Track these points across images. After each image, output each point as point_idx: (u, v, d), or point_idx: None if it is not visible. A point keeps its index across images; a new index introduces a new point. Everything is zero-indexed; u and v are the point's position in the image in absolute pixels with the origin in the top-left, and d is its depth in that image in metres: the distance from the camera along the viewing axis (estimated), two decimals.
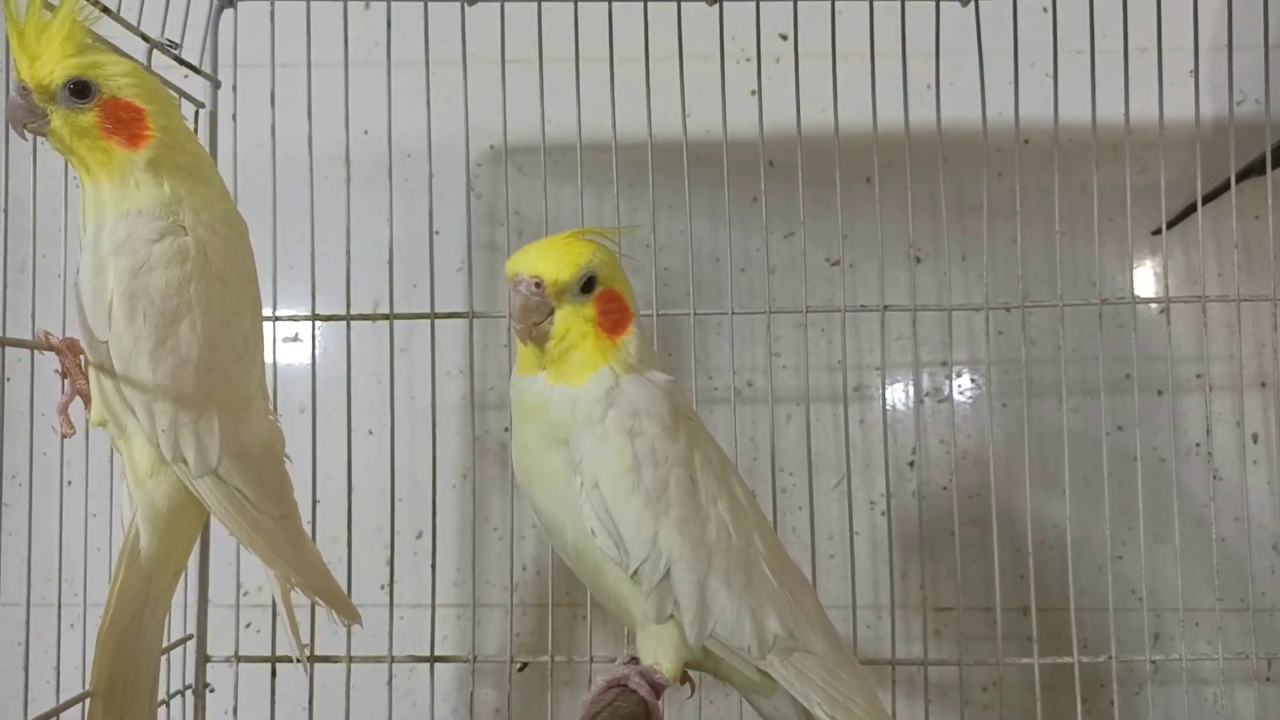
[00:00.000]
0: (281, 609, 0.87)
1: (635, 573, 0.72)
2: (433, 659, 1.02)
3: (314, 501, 1.01)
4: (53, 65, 0.74)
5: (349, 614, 0.86)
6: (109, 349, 0.75)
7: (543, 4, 1.00)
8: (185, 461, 0.77)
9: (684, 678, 0.80)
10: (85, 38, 0.76)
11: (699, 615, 0.73)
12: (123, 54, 0.93)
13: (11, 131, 0.80)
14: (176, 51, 0.98)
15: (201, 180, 0.81)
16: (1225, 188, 1.04)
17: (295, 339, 1.25)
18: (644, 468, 0.72)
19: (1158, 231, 1.15)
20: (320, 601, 0.85)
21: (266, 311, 0.95)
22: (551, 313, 0.73)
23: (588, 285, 0.74)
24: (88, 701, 0.81)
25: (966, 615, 1.11)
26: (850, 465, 1.08)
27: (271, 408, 0.87)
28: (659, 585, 0.72)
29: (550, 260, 0.73)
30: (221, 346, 0.79)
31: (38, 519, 0.98)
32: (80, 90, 0.75)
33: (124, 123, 0.76)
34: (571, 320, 0.74)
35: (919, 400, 1.20)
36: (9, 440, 0.81)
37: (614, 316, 0.75)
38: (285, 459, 0.86)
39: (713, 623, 0.73)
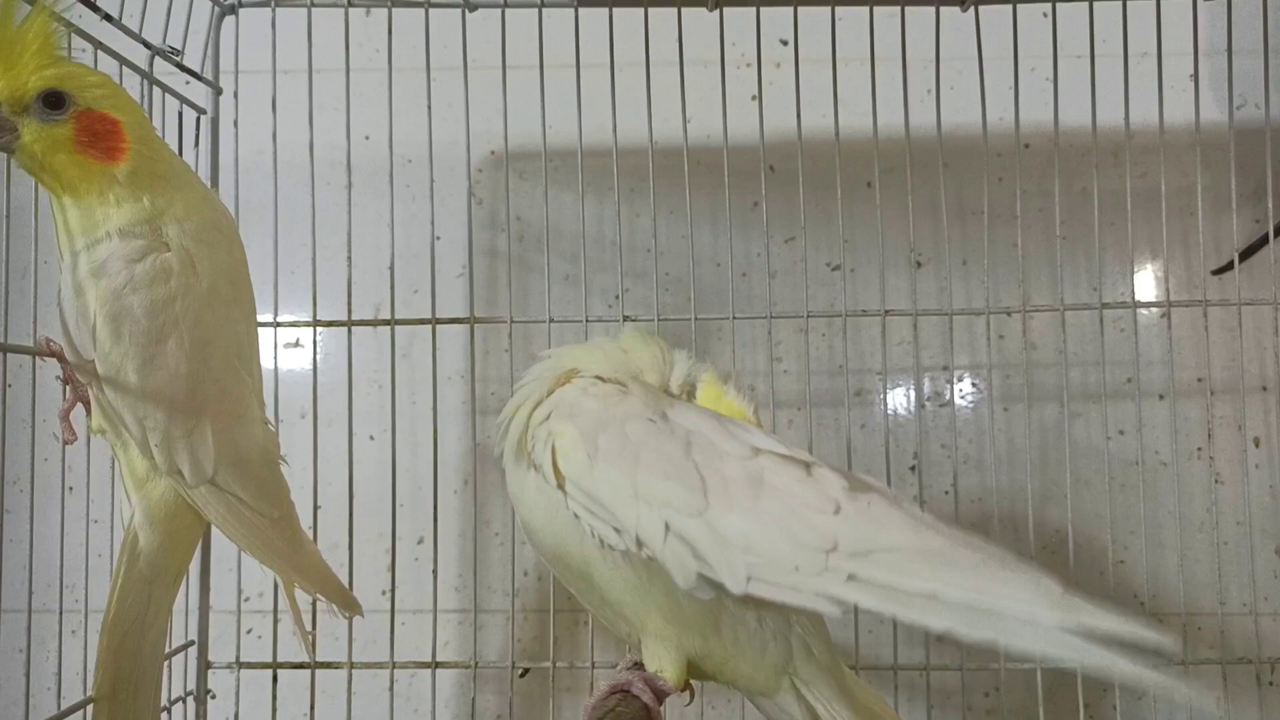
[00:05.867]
0: (286, 608, 0.88)
1: (640, 544, 0.66)
2: (434, 665, 1.01)
3: (315, 507, 1.01)
4: (27, 76, 0.71)
5: (351, 607, 0.86)
6: (96, 367, 0.75)
7: (544, 10, 1.00)
8: (180, 473, 0.77)
9: (685, 684, 0.80)
10: (59, 47, 0.73)
11: (724, 559, 0.62)
12: (127, 61, 0.93)
13: None
14: (178, 58, 0.98)
15: (181, 188, 0.79)
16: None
17: (296, 344, 1.25)
18: (595, 434, 0.70)
19: (1220, 269, 1.15)
20: (322, 597, 0.85)
21: (268, 317, 0.95)
22: None
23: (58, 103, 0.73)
24: (90, 707, 0.81)
25: None
26: (852, 470, 1.08)
27: (268, 414, 0.86)
28: (668, 542, 0.64)
29: None
30: (214, 357, 0.78)
31: (39, 525, 0.99)
32: (55, 102, 0.72)
33: (100, 135, 0.74)
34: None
35: (920, 404, 1.20)
36: (10, 446, 0.81)
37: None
38: (282, 461, 0.86)
39: (745, 561, 0.62)
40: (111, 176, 0.75)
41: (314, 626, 0.99)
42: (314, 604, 0.95)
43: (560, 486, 0.71)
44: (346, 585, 0.97)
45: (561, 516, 0.72)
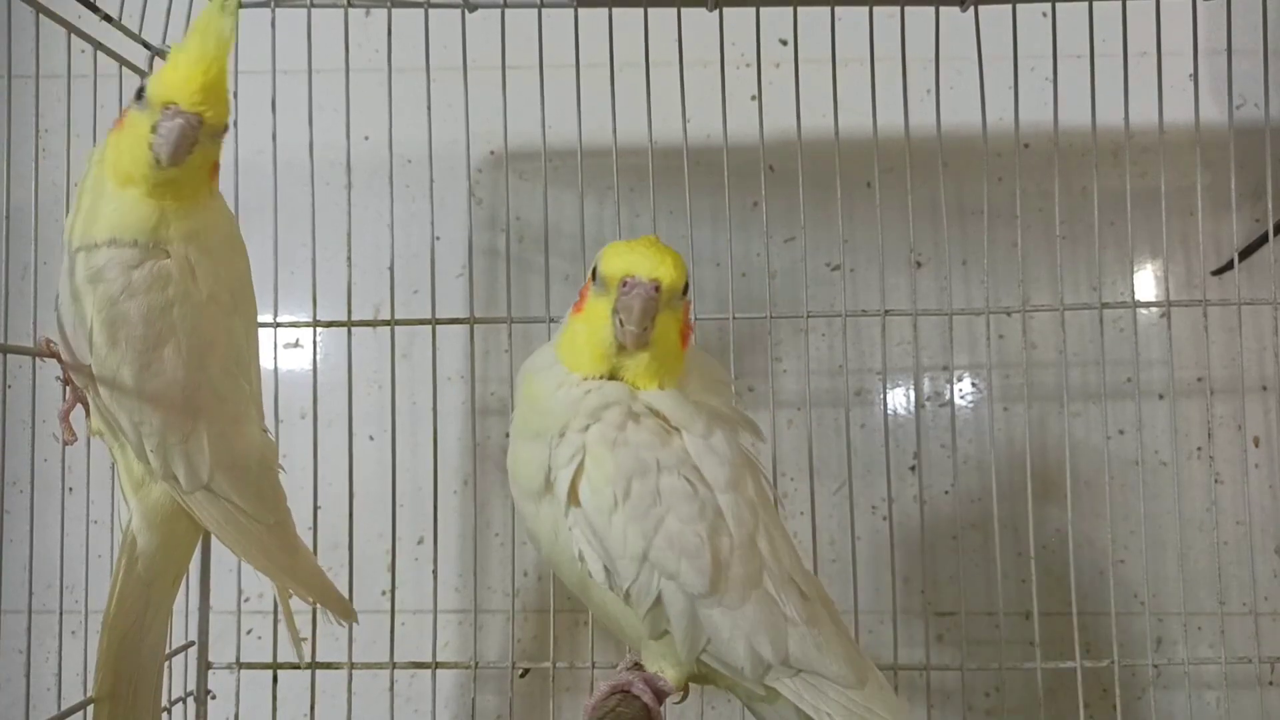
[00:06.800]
0: (282, 613, 0.88)
1: (627, 594, 0.70)
2: (434, 665, 1.01)
3: (315, 508, 1.01)
4: (226, 104, 0.74)
5: (345, 614, 0.87)
6: (93, 372, 0.75)
7: (543, 10, 1.00)
8: (176, 478, 0.77)
9: (685, 685, 0.80)
10: None
11: (690, 635, 0.71)
12: (127, 62, 0.94)
13: (12, 138, 0.80)
14: None
15: (217, 203, 0.82)
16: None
17: (296, 345, 1.25)
18: (630, 478, 0.69)
19: (1220, 270, 1.14)
20: (315, 603, 0.85)
21: (268, 318, 0.96)
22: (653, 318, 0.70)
23: (685, 290, 0.73)
24: (90, 708, 0.81)
25: (968, 620, 1.10)
26: (851, 470, 1.08)
27: (266, 422, 0.86)
28: (652, 609, 0.70)
29: (665, 264, 0.70)
30: (212, 364, 0.78)
31: (39, 526, 0.99)
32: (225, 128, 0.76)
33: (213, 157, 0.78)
34: (669, 326, 0.72)
35: (920, 404, 1.20)
36: (10, 447, 0.81)
37: (688, 328, 0.75)
38: (279, 469, 0.86)
39: (705, 640, 0.71)
40: (211, 190, 0.79)
41: (314, 628, 0.99)
42: (315, 607, 0.95)
43: (571, 502, 0.70)
44: (346, 586, 0.97)
45: (564, 536, 0.72)
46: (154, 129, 0.71)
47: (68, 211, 0.78)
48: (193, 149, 0.72)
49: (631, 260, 0.70)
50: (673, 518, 0.69)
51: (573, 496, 0.70)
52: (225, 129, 0.75)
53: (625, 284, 0.70)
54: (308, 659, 0.99)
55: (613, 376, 0.72)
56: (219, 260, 0.79)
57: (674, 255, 0.71)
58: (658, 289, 0.69)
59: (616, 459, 0.69)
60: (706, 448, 0.72)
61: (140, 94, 0.73)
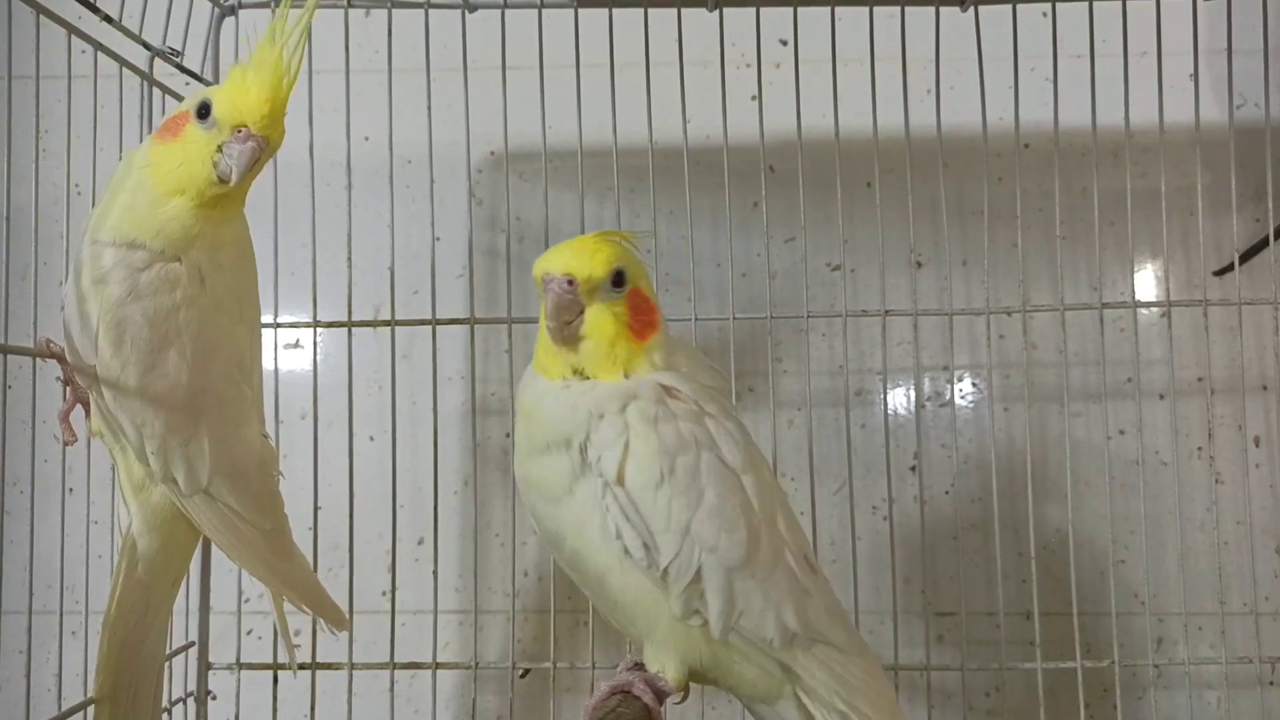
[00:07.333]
0: (288, 609, 0.88)
1: (665, 571, 0.70)
2: (435, 666, 1.01)
3: (315, 508, 1.01)
4: (284, 124, 0.75)
5: (338, 623, 0.87)
6: (97, 373, 0.75)
7: (543, 10, 1.00)
8: (175, 481, 0.77)
9: (685, 686, 0.80)
10: None
11: (726, 608, 0.71)
12: (127, 63, 0.94)
13: (12, 138, 0.80)
14: (178, 59, 0.98)
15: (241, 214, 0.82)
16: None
17: (297, 345, 1.25)
18: (675, 454, 0.70)
19: (1221, 270, 1.14)
20: (308, 611, 0.85)
21: (268, 318, 0.95)
22: (582, 311, 0.71)
23: (618, 281, 0.72)
24: (90, 708, 0.81)
25: (969, 620, 1.10)
26: (852, 470, 1.08)
27: (266, 429, 0.86)
28: (690, 585, 0.70)
29: (580, 257, 0.71)
30: (214, 370, 0.78)
31: (39, 526, 0.99)
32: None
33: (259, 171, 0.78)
34: (604, 318, 0.72)
35: (920, 405, 1.20)
36: (11, 448, 0.81)
37: (643, 318, 0.74)
38: (279, 475, 0.86)
39: (738, 614, 0.71)
40: (243, 199, 0.80)
41: (315, 628, 0.99)
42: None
43: (617, 482, 0.70)
44: (346, 586, 0.97)
45: (592, 519, 0.72)
46: (219, 148, 0.73)
47: (68, 212, 0.78)
48: (247, 171, 0.74)
49: (548, 259, 0.73)
50: (711, 492, 0.70)
51: (619, 475, 0.70)
52: (279, 147, 0.77)
53: (544, 283, 0.72)
54: (300, 665, 0.99)
55: (583, 375, 0.73)
56: (230, 269, 0.80)
57: (598, 248, 0.72)
58: (571, 283, 0.71)
59: (660, 435, 0.70)
60: (724, 431, 0.73)
61: (204, 112, 0.74)
